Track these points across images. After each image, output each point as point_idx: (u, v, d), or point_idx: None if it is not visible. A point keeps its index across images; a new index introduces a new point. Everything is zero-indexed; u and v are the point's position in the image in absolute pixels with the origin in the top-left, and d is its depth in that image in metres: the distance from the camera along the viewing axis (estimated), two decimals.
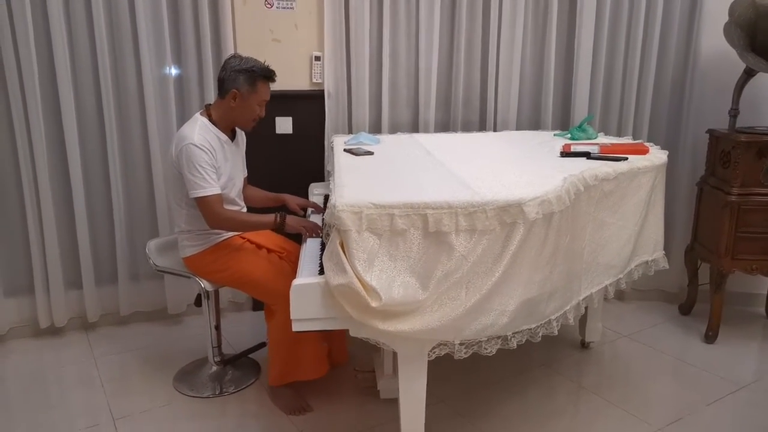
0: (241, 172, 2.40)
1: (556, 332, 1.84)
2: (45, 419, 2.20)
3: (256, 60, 2.17)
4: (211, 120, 2.19)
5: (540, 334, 1.81)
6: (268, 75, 2.18)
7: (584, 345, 2.77)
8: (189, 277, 2.30)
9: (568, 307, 1.91)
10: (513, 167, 2.12)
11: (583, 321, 2.71)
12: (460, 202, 1.58)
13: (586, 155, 2.27)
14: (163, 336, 2.87)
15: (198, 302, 2.41)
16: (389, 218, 1.56)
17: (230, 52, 2.78)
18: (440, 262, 1.58)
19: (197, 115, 2.21)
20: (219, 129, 2.20)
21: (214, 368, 2.47)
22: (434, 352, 1.69)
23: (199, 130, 2.12)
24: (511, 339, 1.73)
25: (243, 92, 2.15)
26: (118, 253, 2.85)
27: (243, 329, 2.93)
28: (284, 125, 2.98)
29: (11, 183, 2.66)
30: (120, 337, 2.85)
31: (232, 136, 2.29)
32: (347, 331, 1.66)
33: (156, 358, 2.64)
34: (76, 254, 2.79)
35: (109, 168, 2.77)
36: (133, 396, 2.36)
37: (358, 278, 1.54)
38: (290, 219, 2.10)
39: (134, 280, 2.93)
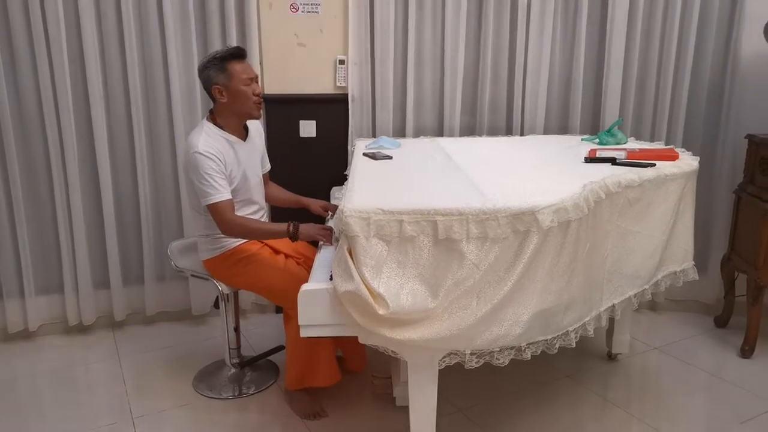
0: (259, 170, 2.36)
1: (573, 344, 1.78)
2: (67, 415, 2.25)
3: (218, 49, 2.15)
4: (216, 124, 2.18)
5: (557, 346, 1.75)
6: (233, 53, 2.13)
7: (611, 357, 2.67)
8: (207, 279, 2.32)
9: (587, 319, 1.85)
10: (533, 173, 2.06)
11: (609, 332, 2.62)
12: (472, 209, 1.54)
13: (612, 161, 2.19)
14: (187, 336, 2.91)
15: (217, 304, 2.43)
16: (398, 224, 1.53)
17: (256, 57, 2.81)
18: (450, 270, 1.55)
19: (204, 120, 2.20)
20: (226, 131, 2.17)
21: (233, 370, 2.49)
22: (444, 361, 1.65)
23: (205, 137, 2.09)
24: (525, 350, 1.68)
25: (221, 82, 2.11)
26: (144, 254, 2.90)
27: (266, 331, 2.95)
28: (308, 129, 2.99)
29: (43, 185, 2.74)
30: (145, 337, 2.90)
31: (244, 135, 2.27)
32: None
33: (178, 359, 2.68)
34: (104, 255, 2.86)
35: (137, 171, 2.83)
36: (153, 395, 2.39)
37: (365, 285, 1.52)
38: (304, 227, 2.04)
39: (160, 281, 2.98)
